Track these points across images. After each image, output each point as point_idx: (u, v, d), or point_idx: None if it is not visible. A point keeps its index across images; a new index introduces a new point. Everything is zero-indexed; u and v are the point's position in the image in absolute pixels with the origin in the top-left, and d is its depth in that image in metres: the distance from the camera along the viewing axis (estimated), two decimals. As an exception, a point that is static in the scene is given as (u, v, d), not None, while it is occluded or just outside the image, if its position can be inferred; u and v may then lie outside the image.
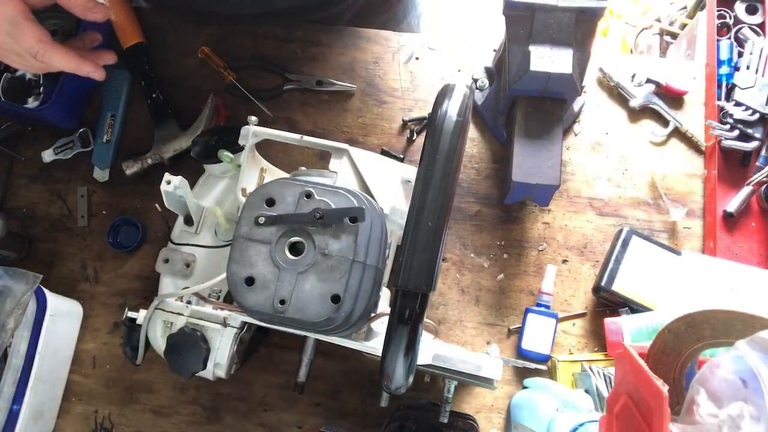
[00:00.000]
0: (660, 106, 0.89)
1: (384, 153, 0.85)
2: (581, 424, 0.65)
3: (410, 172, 0.74)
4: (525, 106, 0.79)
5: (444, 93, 0.55)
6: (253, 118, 0.73)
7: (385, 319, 0.53)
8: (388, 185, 0.72)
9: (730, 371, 0.42)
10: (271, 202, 0.59)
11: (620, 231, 0.83)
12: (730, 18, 0.91)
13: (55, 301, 0.80)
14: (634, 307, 0.80)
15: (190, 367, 0.70)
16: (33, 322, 0.77)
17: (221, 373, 0.72)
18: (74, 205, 0.91)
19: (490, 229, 0.87)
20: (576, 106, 0.89)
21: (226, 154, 0.74)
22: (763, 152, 0.85)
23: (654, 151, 0.89)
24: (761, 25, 0.90)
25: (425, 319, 0.55)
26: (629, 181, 0.88)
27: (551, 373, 0.82)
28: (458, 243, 0.87)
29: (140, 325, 0.73)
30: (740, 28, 0.90)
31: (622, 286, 0.80)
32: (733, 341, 0.43)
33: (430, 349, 0.70)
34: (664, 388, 0.42)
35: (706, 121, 0.88)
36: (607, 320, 0.78)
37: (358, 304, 0.56)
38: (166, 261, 0.80)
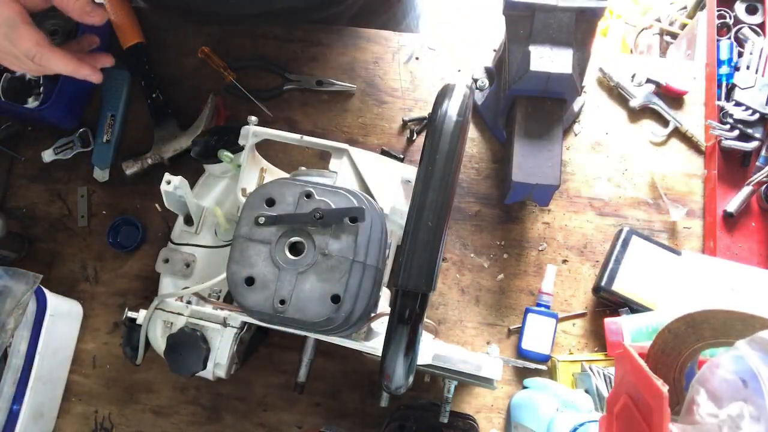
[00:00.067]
0: (660, 106, 0.89)
1: (384, 153, 0.85)
2: (581, 424, 0.65)
3: (410, 172, 0.74)
4: (525, 106, 0.79)
5: (444, 93, 0.55)
6: (253, 118, 0.73)
7: (385, 319, 0.53)
8: (388, 185, 0.72)
9: (730, 371, 0.42)
10: (271, 202, 0.59)
11: (620, 231, 0.83)
12: (730, 18, 0.91)
13: (55, 301, 0.80)
14: (634, 307, 0.80)
15: (190, 367, 0.70)
16: (33, 322, 0.77)
17: (221, 373, 0.72)
18: (74, 205, 0.91)
19: (490, 229, 0.87)
20: (576, 106, 0.89)
21: (226, 154, 0.74)
22: (763, 152, 0.85)
23: (654, 151, 0.89)
24: (761, 25, 0.90)
25: (425, 319, 0.55)
26: (629, 181, 0.88)
27: (551, 373, 0.82)
28: (458, 243, 0.87)
29: (140, 325, 0.73)
30: (740, 28, 0.90)
31: (622, 286, 0.80)
32: (733, 341, 0.43)
33: (430, 349, 0.70)
34: (664, 388, 0.42)
35: (706, 121, 0.88)
36: (607, 320, 0.78)
37: (358, 304, 0.56)
38: (166, 261, 0.80)
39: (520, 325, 0.83)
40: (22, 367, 0.76)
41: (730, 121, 0.84)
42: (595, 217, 0.87)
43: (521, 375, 0.83)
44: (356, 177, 0.70)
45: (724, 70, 0.88)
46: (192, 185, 0.78)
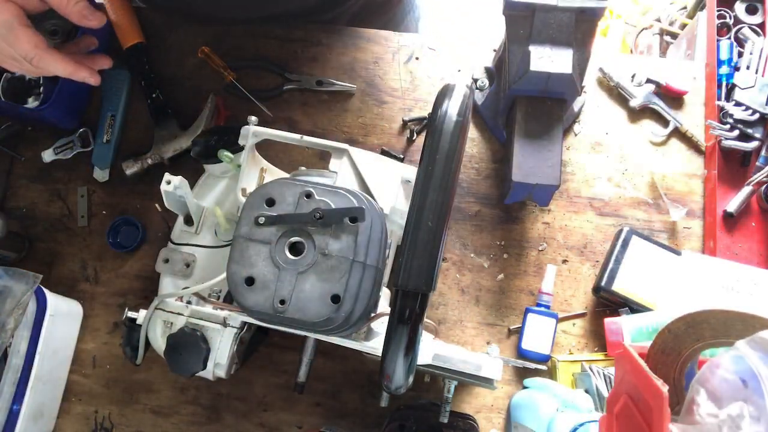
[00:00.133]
0: (660, 106, 0.89)
1: (384, 153, 0.86)
2: (581, 424, 0.65)
3: (410, 172, 0.74)
4: (525, 106, 0.79)
5: (444, 93, 0.55)
6: (253, 118, 0.73)
7: (385, 319, 0.53)
8: (388, 185, 0.71)
9: (730, 371, 0.42)
10: (271, 202, 0.59)
11: (620, 231, 0.83)
12: (730, 18, 0.91)
13: (55, 301, 0.80)
14: (634, 307, 0.80)
15: (190, 367, 0.70)
16: (33, 322, 0.77)
17: (221, 373, 0.72)
18: (74, 205, 0.91)
19: (490, 229, 0.87)
20: (576, 106, 0.89)
21: (226, 154, 0.74)
22: (763, 152, 0.85)
23: (654, 151, 0.89)
24: (761, 25, 0.90)
25: (425, 319, 0.55)
26: (629, 181, 0.88)
27: (551, 373, 0.82)
28: (458, 243, 0.87)
29: (140, 325, 0.73)
30: (740, 28, 0.90)
31: (622, 286, 0.80)
32: (733, 341, 0.43)
33: (430, 349, 0.70)
34: (664, 388, 0.42)
35: (706, 121, 0.88)
36: (607, 320, 0.78)
37: (358, 304, 0.56)
38: (166, 261, 0.80)
39: (520, 325, 0.83)
40: (22, 367, 0.76)
41: (730, 121, 0.84)
42: (595, 217, 0.87)
43: (521, 375, 0.83)
44: (356, 177, 0.70)
45: (724, 70, 0.88)
46: (192, 185, 0.78)
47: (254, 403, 0.84)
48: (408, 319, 0.51)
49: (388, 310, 0.54)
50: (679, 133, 0.89)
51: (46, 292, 0.79)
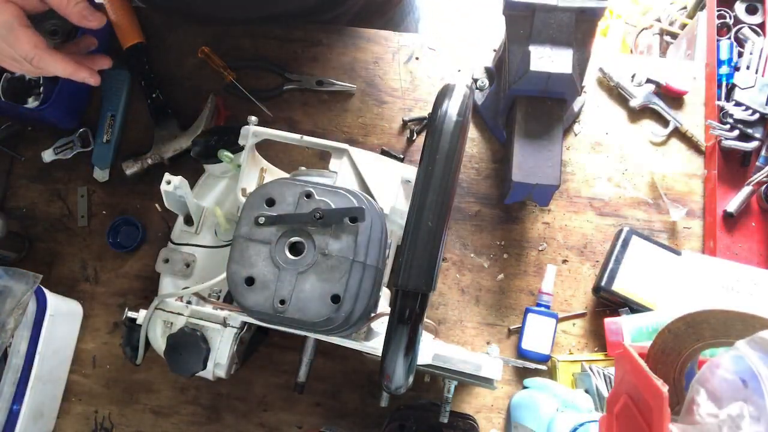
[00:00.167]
0: (660, 106, 0.89)
1: (384, 153, 0.86)
2: (581, 424, 0.65)
3: (410, 172, 0.74)
4: (525, 106, 0.79)
5: (444, 93, 0.55)
6: (253, 118, 0.73)
7: (385, 319, 0.53)
8: (388, 185, 0.71)
9: (730, 371, 0.42)
10: (271, 202, 0.59)
11: (620, 231, 0.83)
12: (730, 18, 0.91)
13: (55, 301, 0.80)
14: (634, 307, 0.80)
15: (190, 367, 0.70)
16: (33, 322, 0.77)
17: (221, 373, 0.72)
18: (74, 205, 0.91)
19: (490, 229, 0.87)
20: (576, 106, 0.89)
21: (226, 154, 0.74)
22: (763, 152, 0.85)
23: (654, 151, 0.89)
24: (761, 25, 0.90)
25: (425, 319, 0.55)
26: (629, 181, 0.88)
27: (551, 373, 0.82)
28: (458, 243, 0.87)
29: (140, 325, 0.73)
30: (740, 28, 0.90)
31: (622, 286, 0.80)
32: (733, 341, 0.43)
33: (430, 349, 0.70)
34: (664, 388, 0.42)
35: (706, 121, 0.88)
36: (607, 320, 0.78)
37: (358, 304, 0.56)
38: (166, 261, 0.80)
39: (520, 325, 0.83)
40: (22, 367, 0.76)
41: (730, 121, 0.84)
42: (595, 217, 0.87)
43: (521, 375, 0.83)
44: (356, 177, 0.70)
45: (724, 70, 0.88)
46: (192, 185, 0.78)
47: (254, 403, 0.84)
48: (408, 319, 0.51)
49: (388, 310, 0.54)
50: (679, 133, 0.89)
51: (46, 292, 0.79)
